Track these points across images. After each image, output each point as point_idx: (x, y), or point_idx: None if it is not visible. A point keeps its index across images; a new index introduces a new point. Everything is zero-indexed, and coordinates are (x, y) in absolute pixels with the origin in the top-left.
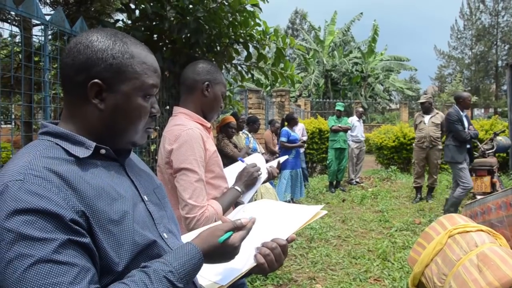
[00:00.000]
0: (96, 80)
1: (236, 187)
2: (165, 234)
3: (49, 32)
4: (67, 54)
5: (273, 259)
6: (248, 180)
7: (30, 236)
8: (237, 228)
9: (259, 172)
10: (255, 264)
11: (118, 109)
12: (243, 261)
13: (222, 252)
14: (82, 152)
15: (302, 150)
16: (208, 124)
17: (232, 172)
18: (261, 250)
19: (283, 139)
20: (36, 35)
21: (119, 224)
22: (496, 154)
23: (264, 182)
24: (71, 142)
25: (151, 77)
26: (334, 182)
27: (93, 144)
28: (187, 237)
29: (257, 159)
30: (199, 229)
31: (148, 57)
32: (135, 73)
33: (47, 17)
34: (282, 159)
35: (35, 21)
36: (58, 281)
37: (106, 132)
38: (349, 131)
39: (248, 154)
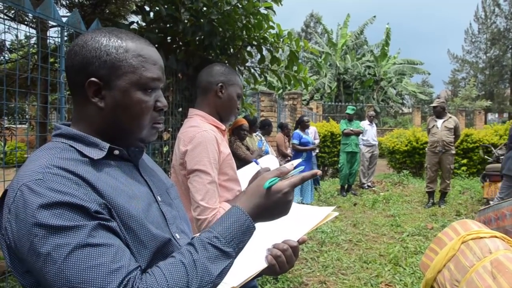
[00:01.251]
0: (92, 79)
1: None
2: (177, 235)
3: (65, 34)
4: (67, 58)
5: (284, 261)
6: None
7: (61, 226)
8: (283, 174)
9: None
10: (266, 265)
11: (118, 106)
12: (255, 262)
13: (272, 204)
14: (96, 154)
15: (314, 153)
16: (223, 127)
17: (245, 174)
18: (272, 251)
19: (295, 141)
20: (52, 37)
21: (138, 222)
22: None
23: None
24: (85, 144)
25: (149, 70)
26: (346, 186)
27: (107, 145)
28: None
29: (271, 161)
30: None
31: (145, 49)
32: (131, 66)
33: (64, 19)
34: (295, 162)
35: (51, 23)
36: (99, 263)
37: (112, 130)
38: (360, 135)
39: (261, 157)
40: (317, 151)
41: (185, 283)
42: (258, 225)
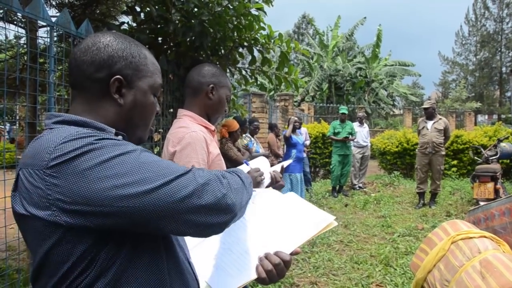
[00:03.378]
0: (118, 76)
1: None
2: None
3: (55, 34)
4: (84, 53)
5: (275, 274)
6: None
7: (128, 151)
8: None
9: (262, 177)
10: (256, 277)
11: (136, 105)
12: (246, 270)
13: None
14: (104, 135)
15: (305, 154)
16: (212, 127)
17: None
18: (264, 264)
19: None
20: (41, 37)
21: None
22: (500, 161)
23: (267, 186)
24: (92, 128)
25: (159, 77)
26: (337, 187)
27: (113, 130)
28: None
29: (262, 162)
30: None
31: (154, 59)
32: (149, 71)
33: (53, 19)
34: (285, 163)
35: (41, 23)
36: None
37: (122, 126)
38: (350, 136)
39: (252, 158)
40: (306, 152)
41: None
42: (256, 223)
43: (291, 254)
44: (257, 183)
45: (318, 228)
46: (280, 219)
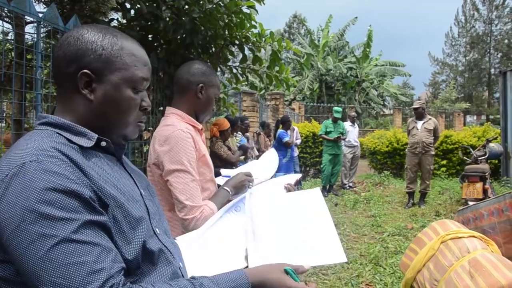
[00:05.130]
0: (85, 70)
1: (227, 188)
2: (157, 230)
3: (43, 30)
4: (59, 47)
5: None
6: (238, 185)
7: (51, 215)
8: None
9: (250, 183)
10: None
11: (107, 100)
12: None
13: (276, 283)
14: (84, 142)
15: (296, 153)
16: (200, 126)
17: (263, 164)
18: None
19: (287, 139)
20: (29, 33)
21: (126, 211)
22: (488, 161)
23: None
24: (73, 133)
25: (141, 70)
26: (327, 186)
27: (95, 135)
28: (182, 240)
29: (271, 155)
30: (195, 232)
31: (137, 50)
32: (125, 64)
33: (41, 14)
34: (298, 175)
35: (29, 19)
36: (82, 260)
37: (98, 123)
38: (342, 136)
39: (245, 157)
40: (297, 152)
41: None
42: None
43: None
44: (243, 186)
45: (326, 261)
46: (284, 227)
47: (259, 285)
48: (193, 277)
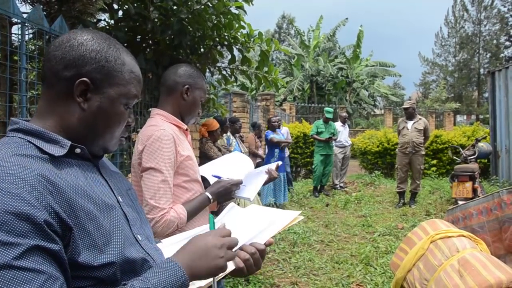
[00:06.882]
0: (85, 79)
1: (208, 194)
2: (139, 236)
3: (28, 31)
4: (57, 47)
5: (252, 264)
6: (224, 193)
7: None
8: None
9: (236, 189)
10: (233, 267)
11: (100, 112)
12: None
13: (204, 254)
14: (56, 150)
15: (286, 154)
16: (185, 126)
17: (226, 161)
18: (240, 254)
19: (272, 136)
20: (14, 33)
21: (97, 223)
22: (478, 160)
23: (265, 184)
24: (45, 140)
25: (136, 88)
26: (318, 187)
27: (69, 143)
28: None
29: (239, 158)
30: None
31: (135, 67)
32: (124, 80)
33: (25, 15)
34: (279, 162)
35: (14, 20)
36: None
37: (84, 132)
38: (333, 136)
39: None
40: (288, 152)
41: None
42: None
43: (265, 244)
44: (230, 193)
45: (287, 221)
46: (253, 221)
47: (191, 260)
48: (124, 284)
